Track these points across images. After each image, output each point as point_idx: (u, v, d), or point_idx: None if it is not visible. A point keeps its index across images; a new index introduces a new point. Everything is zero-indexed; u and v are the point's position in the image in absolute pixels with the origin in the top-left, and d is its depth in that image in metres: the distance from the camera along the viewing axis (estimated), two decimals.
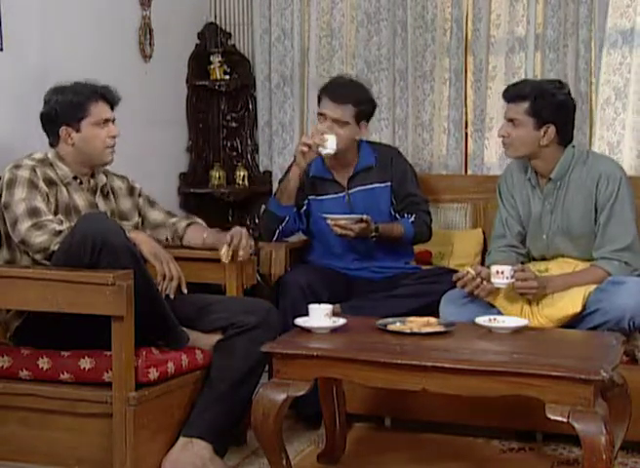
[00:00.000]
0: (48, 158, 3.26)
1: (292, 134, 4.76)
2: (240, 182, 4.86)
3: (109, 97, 3.29)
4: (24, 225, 3.06)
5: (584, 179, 3.46)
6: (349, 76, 4.04)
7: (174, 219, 3.51)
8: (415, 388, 2.75)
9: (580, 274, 3.41)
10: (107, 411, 2.94)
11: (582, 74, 4.20)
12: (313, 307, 3.03)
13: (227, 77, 4.85)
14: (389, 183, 3.89)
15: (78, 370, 3.03)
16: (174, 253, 3.22)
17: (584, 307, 3.29)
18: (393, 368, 2.73)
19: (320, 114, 3.81)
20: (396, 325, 3.00)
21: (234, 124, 4.96)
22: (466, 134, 4.50)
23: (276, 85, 4.78)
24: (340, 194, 3.88)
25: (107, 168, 3.40)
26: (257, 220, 4.79)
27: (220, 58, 4.82)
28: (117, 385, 2.92)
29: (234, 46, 4.92)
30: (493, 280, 3.27)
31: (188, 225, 3.49)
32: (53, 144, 3.28)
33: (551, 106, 3.41)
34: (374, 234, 3.73)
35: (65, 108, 3.22)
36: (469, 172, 4.48)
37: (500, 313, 3.32)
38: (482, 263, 3.85)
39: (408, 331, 2.95)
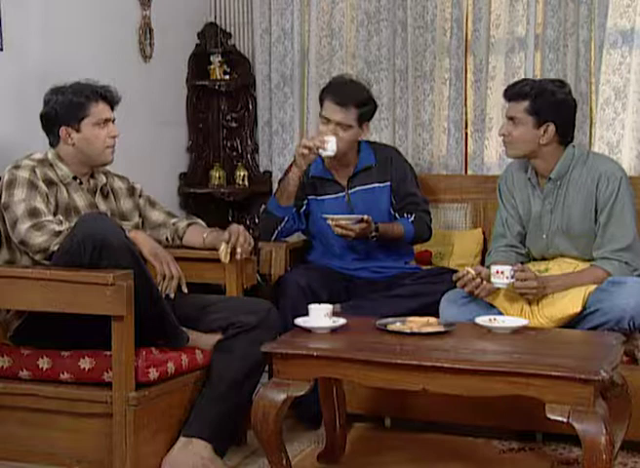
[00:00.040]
0: (48, 158, 3.26)
1: (292, 134, 4.76)
2: (240, 182, 4.86)
3: (109, 98, 3.29)
4: (24, 226, 3.06)
5: (585, 179, 3.46)
6: (349, 76, 4.03)
7: (174, 220, 3.51)
8: (415, 388, 2.75)
9: (580, 274, 3.41)
10: (107, 411, 2.94)
11: (582, 74, 4.20)
12: (313, 307, 3.03)
13: (227, 77, 4.85)
14: (389, 183, 3.89)
15: (78, 370, 3.03)
16: (174, 253, 3.22)
17: (584, 307, 3.29)
18: (393, 368, 2.73)
19: (323, 117, 3.80)
20: (396, 325, 3.00)
21: (234, 124, 4.96)
22: (466, 134, 4.50)
23: (276, 85, 4.78)
24: (340, 194, 3.88)
25: (108, 168, 3.40)
26: (256, 220, 4.79)
27: (219, 58, 4.82)
28: (117, 385, 2.92)
29: (234, 46, 4.92)
30: (493, 280, 3.27)
31: (188, 225, 3.49)
32: (53, 144, 3.28)
33: (551, 105, 3.41)
34: (374, 234, 3.73)
35: (65, 109, 3.22)
36: (469, 172, 4.48)
37: (500, 313, 3.32)
38: (482, 263, 3.85)
39: (408, 331, 2.95)
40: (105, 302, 2.86)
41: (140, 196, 3.49)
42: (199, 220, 3.58)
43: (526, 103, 3.43)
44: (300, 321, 3.02)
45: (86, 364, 3.02)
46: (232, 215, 4.97)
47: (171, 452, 3.08)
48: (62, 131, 3.23)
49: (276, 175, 4.67)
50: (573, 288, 3.34)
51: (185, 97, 4.80)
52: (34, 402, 3.06)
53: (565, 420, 2.57)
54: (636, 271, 3.38)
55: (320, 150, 3.67)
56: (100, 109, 3.25)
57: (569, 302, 3.30)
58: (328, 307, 3.04)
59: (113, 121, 3.30)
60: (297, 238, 4.08)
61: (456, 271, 3.49)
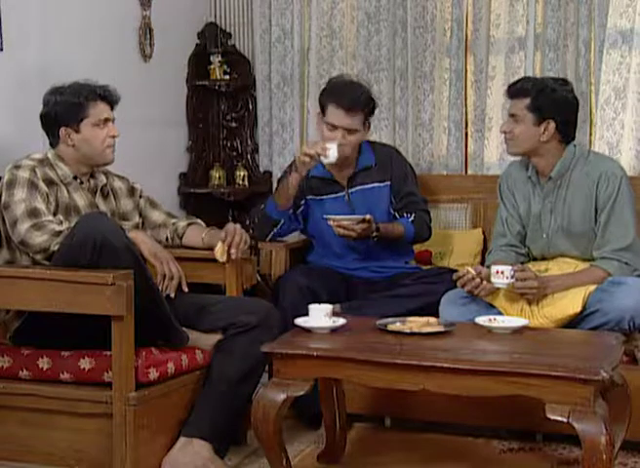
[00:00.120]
0: (48, 158, 3.26)
1: (292, 134, 4.77)
2: (240, 182, 4.87)
3: (109, 97, 3.28)
4: (24, 226, 3.06)
5: (585, 179, 3.46)
6: (349, 77, 4.01)
7: (174, 220, 3.52)
8: (415, 388, 2.75)
9: (580, 274, 3.41)
10: (107, 411, 2.94)
11: (582, 74, 4.20)
12: (313, 307, 3.03)
13: (227, 77, 4.85)
14: (389, 183, 3.89)
15: (78, 370, 3.03)
16: (174, 253, 3.23)
17: (584, 307, 3.29)
18: (393, 368, 2.73)
19: (329, 124, 3.76)
20: (396, 325, 3.00)
21: (234, 124, 4.96)
22: (466, 134, 4.50)
23: (276, 85, 4.78)
24: (340, 194, 3.88)
25: (108, 168, 3.40)
26: (256, 220, 4.79)
27: (219, 58, 4.82)
28: (117, 385, 2.92)
29: (234, 46, 4.92)
30: (493, 280, 3.27)
31: (188, 225, 3.49)
32: (53, 145, 3.28)
33: (552, 102, 3.42)
34: (375, 234, 3.73)
35: (64, 109, 3.22)
36: (469, 172, 4.48)
37: (499, 313, 3.32)
38: (482, 263, 3.85)
39: (408, 331, 2.95)
40: (105, 302, 2.86)
41: (140, 196, 3.49)
42: (199, 220, 3.58)
43: (527, 101, 3.43)
44: (300, 321, 3.02)
45: (86, 364, 3.02)
46: (232, 215, 4.97)
47: (171, 452, 3.08)
48: (62, 132, 3.23)
49: (276, 175, 4.67)
50: (573, 288, 3.34)
51: (185, 97, 4.80)
52: (34, 402, 3.06)
53: (565, 420, 2.56)
54: (636, 271, 3.38)
55: (321, 157, 3.65)
56: (99, 110, 3.25)
57: (569, 302, 3.30)
58: (328, 307, 3.03)
59: (113, 121, 3.29)
60: (297, 238, 4.08)
61: (456, 271, 3.49)
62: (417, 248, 4.06)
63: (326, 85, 3.91)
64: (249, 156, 4.94)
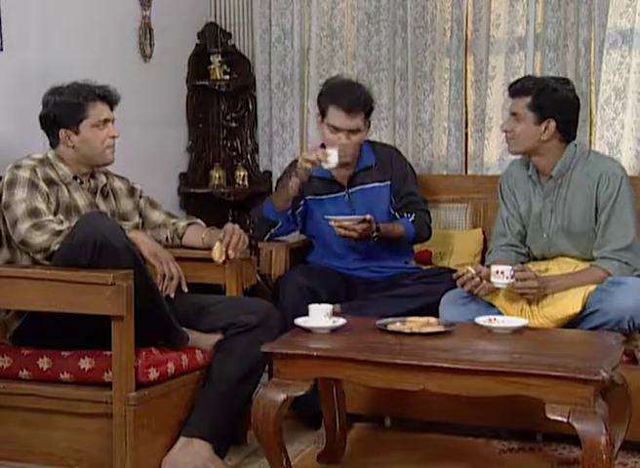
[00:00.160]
0: (48, 158, 3.26)
1: (292, 134, 4.77)
2: (240, 182, 4.87)
3: (108, 97, 3.28)
4: (24, 226, 3.06)
5: (585, 178, 3.46)
6: (346, 78, 4.00)
7: (174, 220, 3.51)
8: (415, 388, 2.75)
9: (580, 274, 3.41)
10: (107, 411, 2.94)
11: (583, 74, 4.20)
12: (313, 307, 3.03)
13: (227, 77, 4.86)
14: (389, 183, 3.89)
15: (78, 370, 3.03)
16: (174, 253, 3.23)
17: (584, 307, 3.29)
18: (393, 368, 2.73)
19: (331, 127, 3.75)
20: (396, 325, 3.00)
21: (234, 124, 4.97)
22: (466, 134, 4.51)
23: (276, 85, 4.78)
24: (340, 194, 3.87)
25: (108, 168, 3.40)
26: (256, 220, 4.79)
27: (219, 58, 4.82)
28: (117, 385, 2.92)
29: (234, 46, 4.92)
30: (493, 280, 3.27)
31: (188, 225, 3.49)
32: (53, 145, 3.28)
33: (552, 101, 3.42)
34: (375, 234, 3.73)
35: (64, 111, 3.21)
36: (469, 172, 4.48)
37: (499, 313, 3.32)
38: (482, 263, 3.85)
39: (408, 331, 2.95)
40: (105, 302, 2.86)
41: (140, 197, 3.49)
42: (199, 220, 3.57)
43: (528, 99, 3.44)
44: (300, 321, 3.01)
45: (86, 364, 3.02)
46: (232, 215, 4.97)
47: (171, 452, 3.08)
48: (62, 133, 3.23)
49: (276, 175, 4.67)
50: (573, 288, 3.34)
51: (185, 97, 4.80)
52: (34, 402, 3.06)
53: (565, 420, 2.56)
54: (636, 271, 3.38)
55: (322, 163, 3.64)
56: (98, 110, 3.25)
57: (569, 302, 3.30)
58: (328, 307, 3.03)
59: (113, 121, 3.29)
60: (297, 238, 4.08)
61: (456, 271, 3.49)
62: (417, 248, 4.06)
63: (323, 87, 3.89)
64: (249, 156, 4.94)
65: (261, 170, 4.90)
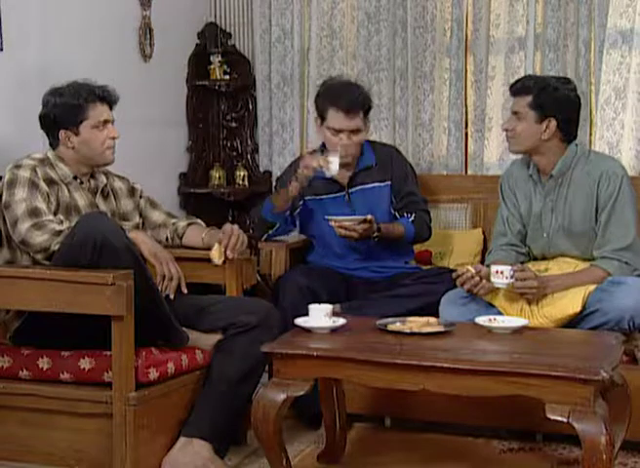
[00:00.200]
0: (48, 158, 3.25)
1: (292, 134, 4.77)
2: (240, 182, 4.87)
3: (108, 98, 3.28)
4: (25, 225, 3.06)
5: (586, 178, 3.46)
6: (344, 79, 3.99)
7: (174, 220, 3.51)
8: (415, 388, 2.75)
9: (579, 274, 3.41)
10: (107, 411, 2.94)
11: (583, 74, 4.20)
12: (313, 307, 3.03)
13: (227, 77, 4.86)
14: (389, 183, 3.89)
15: (78, 370, 3.03)
16: (174, 254, 3.23)
17: (584, 307, 3.29)
18: (393, 368, 2.73)
19: (332, 129, 3.75)
20: (396, 325, 3.00)
21: (234, 124, 4.97)
22: (466, 134, 4.51)
23: (276, 85, 4.78)
24: (340, 193, 3.87)
25: (108, 168, 3.40)
26: (256, 220, 4.79)
27: (219, 58, 4.82)
28: (117, 385, 2.92)
29: (234, 46, 4.92)
30: (492, 280, 3.27)
31: (188, 225, 3.49)
32: (53, 145, 3.28)
33: (553, 100, 3.42)
34: (376, 234, 3.73)
35: (64, 112, 3.21)
36: (469, 172, 4.48)
37: (499, 313, 3.32)
38: (482, 263, 3.85)
39: (408, 331, 2.95)
40: (105, 302, 2.86)
41: (140, 197, 3.49)
42: (199, 220, 3.57)
43: (529, 98, 3.44)
44: (300, 321, 3.01)
45: (86, 364, 3.02)
46: (232, 215, 4.97)
47: (171, 452, 3.08)
48: (62, 134, 3.23)
49: (276, 175, 4.66)
50: (573, 287, 3.34)
51: (185, 97, 4.80)
52: (34, 402, 3.06)
53: (565, 420, 2.56)
54: (636, 271, 3.38)
55: (324, 169, 3.63)
56: (98, 111, 3.24)
57: (569, 302, 3.30)
58: (328, 307, 3.03)
59: (112, 122, 3.29)
60: (297, 238, 4.08)
61: (456, 271, 3.49)
62: (417, 248, 4.06)
63: (320, 89, 3.88)
64: (249, 156, 4.94)
65: (261, 170, 4.90)
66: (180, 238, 3.47)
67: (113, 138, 3.27)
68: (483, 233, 4.20)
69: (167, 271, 3.13)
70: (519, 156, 3.63)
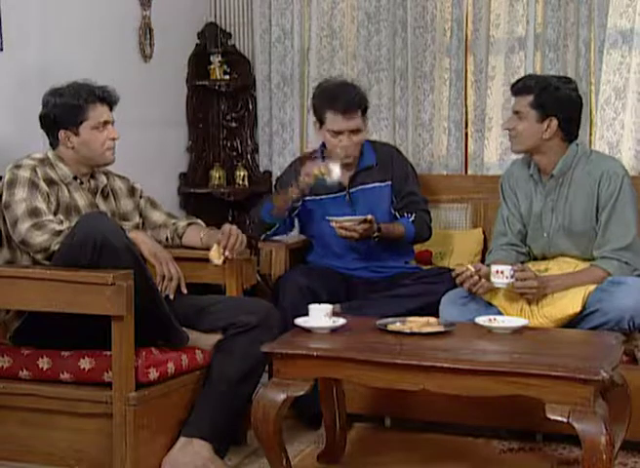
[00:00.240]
0: (48, 158, 3.25)
1: (292, 134, 4.77)
2: (240, 182, 4.87)
3: (108, 98, 3.27)
4: (25, 225, 3.06)
5: (587, 177, 3.46)
6: (341, 79, 3.97)
7: (174, 220, 3.51)
8: (415, 388, 2.75)
9: (579, 274, 3.41)
10: (107, 411, 2.94)
11: (583, 74, 4.20)
12: (313, 307, 3.03)
13: (227, 77, 4.86)
14: (390, 183, 3.89)
15: (78, 370, 3.03)
16: (174, 254, 3.23)
17: (584, 307, 3.29)
18: (393, 368, 2.73)
19: (331, 131, 3.74)
20: (396, 325, 3.00)
21: (234, 124, 4.97)
22: (466, 134, 4.51)
23: (276, 85, 4.78)
24: (341, 193, 3.87)
25: (108, 168, 3.40)
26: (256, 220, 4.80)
27: (219, 58, 4.82)
28: (117, 385, 2.92)
29: (234, 46, 4.92)
30: (492, 279, 3.27)
31: (188, 225, 3.49)
32: (53, 146, 3.28)
33: (554, 100, 3.43)
34: (376, 234, 3.73)
35: (64, 112, 3.21)
36: (469, 172, 4.48)
37: (499, 313, 3.32)
38: (482, 263, 3.85)
39: (408, 331, 2.95)
40: (105, 302, 2.86)
41: (140, 197, 3.49)
42: (199, 220, 3.58)
43: (530, 98, 3.44)
44: (300, 321, 3.01)
45: (86, 364, 3.02)
46: (232, 215, 4.97)
47: (171, 452, 3.08)
48: (62, 134, 3.23)
49: (276, 175, 4.66)
50: (573, 287, 3.34)
51: (185, 97, 4.80)
52: (34, 402, 3.06)
53: (565, 420, 2.56)
54: (636, 271, 3.38)
55: (325, 176, 3.63)
56: (98, 112, 3.24)
57: (569, 302, 3.30)
58: (328, 307, 3.03)
59: (112, 123, 3.28)
60: (297, 238, 4.08)
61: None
62: (417, 248, 4.05)
63: (315, 92, 3.87)
64: (249, 156, 4.94)
65: (261, 170, 4.90)
66: (180, 238, 3.47)
67: (113, 140, 3.27)
68: (483, 233, 4.20)
69: (167, 271, 3.12)
70: (519, 156, 3.64)
